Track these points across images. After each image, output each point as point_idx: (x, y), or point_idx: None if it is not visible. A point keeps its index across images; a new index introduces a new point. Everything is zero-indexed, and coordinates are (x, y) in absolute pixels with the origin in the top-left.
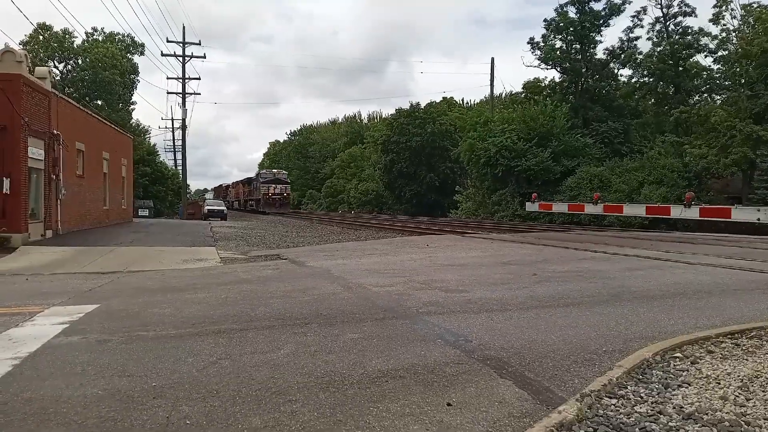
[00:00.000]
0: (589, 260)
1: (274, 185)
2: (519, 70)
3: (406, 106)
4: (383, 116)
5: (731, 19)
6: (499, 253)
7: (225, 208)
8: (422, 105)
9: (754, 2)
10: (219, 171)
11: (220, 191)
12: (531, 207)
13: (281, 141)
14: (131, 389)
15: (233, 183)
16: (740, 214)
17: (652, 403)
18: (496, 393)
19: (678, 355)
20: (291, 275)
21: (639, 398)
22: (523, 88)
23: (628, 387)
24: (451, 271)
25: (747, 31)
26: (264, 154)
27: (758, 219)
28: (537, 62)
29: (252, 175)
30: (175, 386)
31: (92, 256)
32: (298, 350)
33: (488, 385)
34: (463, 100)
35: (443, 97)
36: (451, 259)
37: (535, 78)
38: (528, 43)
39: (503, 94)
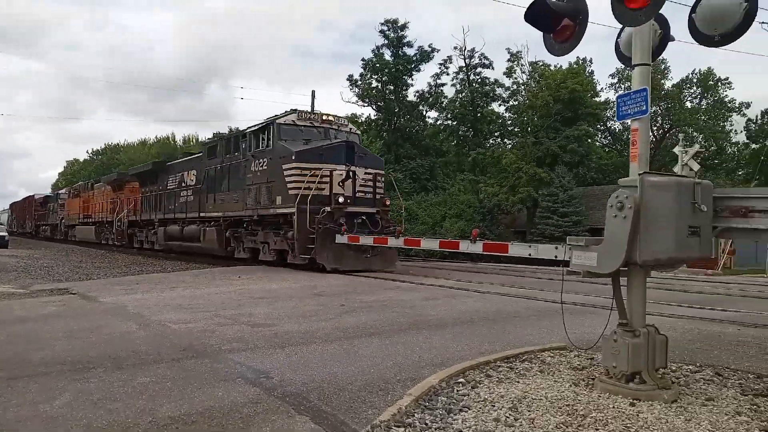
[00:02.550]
0: (394, 290)
1: (355, 170)
2: (339, 104)
3: (225, 130)
4: (200, 139)
5: (521, 73)
6: (312, 283)
7: (6, 233)
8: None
9: (539, 61)
10: (2, 191)
11: (28, 208)
12: (341, 239)
13: (81, 160)
14: None
15: (82, 186)
16: (516, 249)
17: (435, 429)
18: (291, 431)
19: (461, 380)
20: (80, 312)
21: (424, 425)
22: None
23: (416, 415)
24: (261, 304)
25: (533, 86)
26: (59, 174)
27: (530, 254)
28: (355, 99)
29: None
30: None
31: None
32: (78, 399)
33: (285, 423)
34: None
35: None
36: (262, 291)
37: (353, 113)
38: (347, 79)
39: None
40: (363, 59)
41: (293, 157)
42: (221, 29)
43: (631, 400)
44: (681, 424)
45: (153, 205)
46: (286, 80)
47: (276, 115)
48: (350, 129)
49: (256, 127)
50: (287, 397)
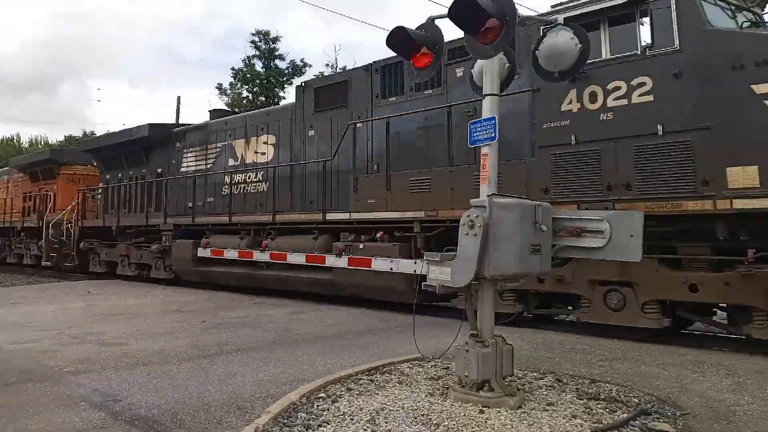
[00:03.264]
0: (260, 305)
1: None
2: (206, 113)
3: (79, 133)
4: (50, 142)
5: None
6: (173, 299)
7: None
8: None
9: None
10: None
11: None
12: (203, 252)
13: None
14: None
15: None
16: (378, 264)
17: None
18: None
19: (322, 395)
20: None
21: None
22: None
23: None
24: (113, 322)
25: None
26: None
27: (391, 269)
28: (225, 107)
29: None
30: None
31: None
32: None
33: None
34: None
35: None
36: (115, 308)
37: None
38: (216, 87)
39: None
40: (233, 68)
41: None
42: (77, 26)
43: (480, 408)
44: (524, 428)
45: (145, 200)
46: (149, 84)
47: None
48: None
49: (580, 10)
50: (136, 421)
